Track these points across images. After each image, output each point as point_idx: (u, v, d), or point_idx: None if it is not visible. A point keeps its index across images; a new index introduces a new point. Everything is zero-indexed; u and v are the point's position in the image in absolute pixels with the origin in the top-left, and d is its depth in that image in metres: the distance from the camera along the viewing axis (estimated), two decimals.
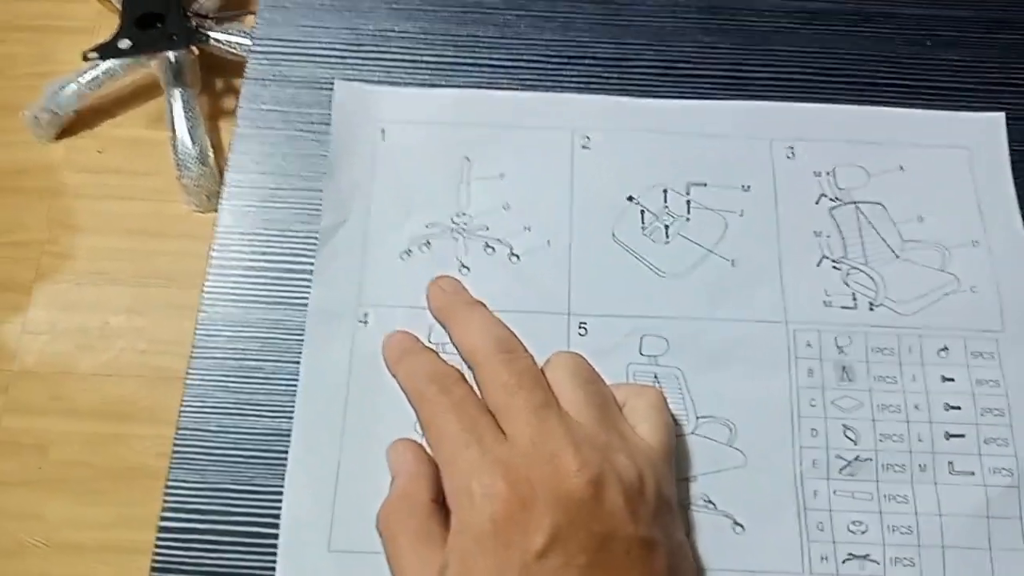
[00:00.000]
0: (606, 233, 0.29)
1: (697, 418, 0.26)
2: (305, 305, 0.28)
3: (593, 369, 0.25)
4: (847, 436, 0.26)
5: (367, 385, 0.26)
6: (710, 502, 0.25)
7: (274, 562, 0.24)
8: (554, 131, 0.30)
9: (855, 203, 0.29)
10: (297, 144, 0.30)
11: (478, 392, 0.24)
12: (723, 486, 0.25)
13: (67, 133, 0.98)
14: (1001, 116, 0.31)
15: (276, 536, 0.25)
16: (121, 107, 0.99)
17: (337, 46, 0.32)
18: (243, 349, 0.27)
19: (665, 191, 0.29)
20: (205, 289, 0.28)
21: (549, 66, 0.31)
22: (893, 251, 0.29)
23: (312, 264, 0.28)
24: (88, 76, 0.94)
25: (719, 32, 0.32)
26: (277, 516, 0.25)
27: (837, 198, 0.30)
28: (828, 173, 0.30)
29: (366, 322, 0.27)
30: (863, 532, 0.25)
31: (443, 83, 0.31)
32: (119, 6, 0.88)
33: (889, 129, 0.30)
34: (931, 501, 0.25)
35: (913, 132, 0.30)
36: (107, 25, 0.90)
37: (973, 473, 0.26)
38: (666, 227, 0.29)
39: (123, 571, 0.78)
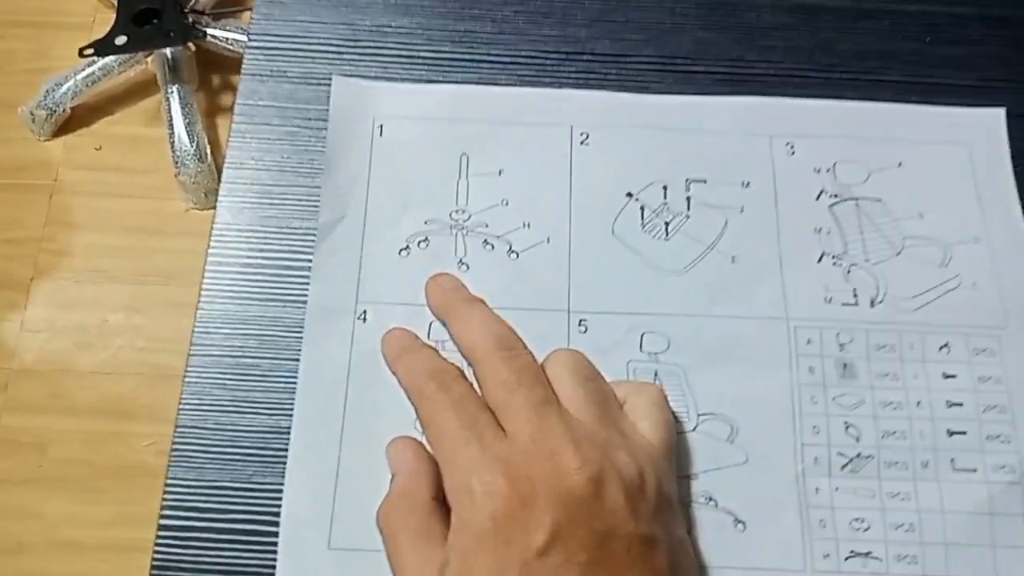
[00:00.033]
0: (606, 230, 0.29)
1: (698, 415, 0.26)
2: (304, 302, 0.27)
3: (593, 366, 0.25)
4: (849, 433, 0.26)
5: (366, 382, 0.26)
6: (711, 500, 0.25)
7: (274, 560, 0.24)
8: (553, 127, 0.30)
9: (855, 199, 0.29)
10: (294, 140, 0.30)
11: (478, 389, 0.24)
12: (724, 483, 0.25)
13: (65, 130, 0.98)
14: (1001, 112, 0.31)
15: (276, 534, 0.25)
16: (119, 104, 0.99)
17: (334, 42, 0.32)
18: (241, 346, 0.27)
19: (665, 188, 0.29)
20: (203, 286, 0.28)
21: (548, 62, 0.31)
22: (894, 248, 0.29)
23: (310, 261, 0.28)
24: (85, 73, 0.94)
25: (718, 28, 0.32)
26: (277, 514, 0.25)
27: (837, 194, 0.29)
28: (828, 169, 0.30)
29: (365, 319, 0.27)
30: (865, 529, 0.25)
31: (441, 79, 0.31)
32: (116, 2, 0.88)
33: (889, 125, 0.30)
34: (933, 498, 0.25)
35: (913, 128, 0.30)
36: (104, 21, 0.90)
37: (975, 470, 0.26)
38: (666, 224, 0.29)
39: (122, 569, 0.78)
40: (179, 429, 0.26)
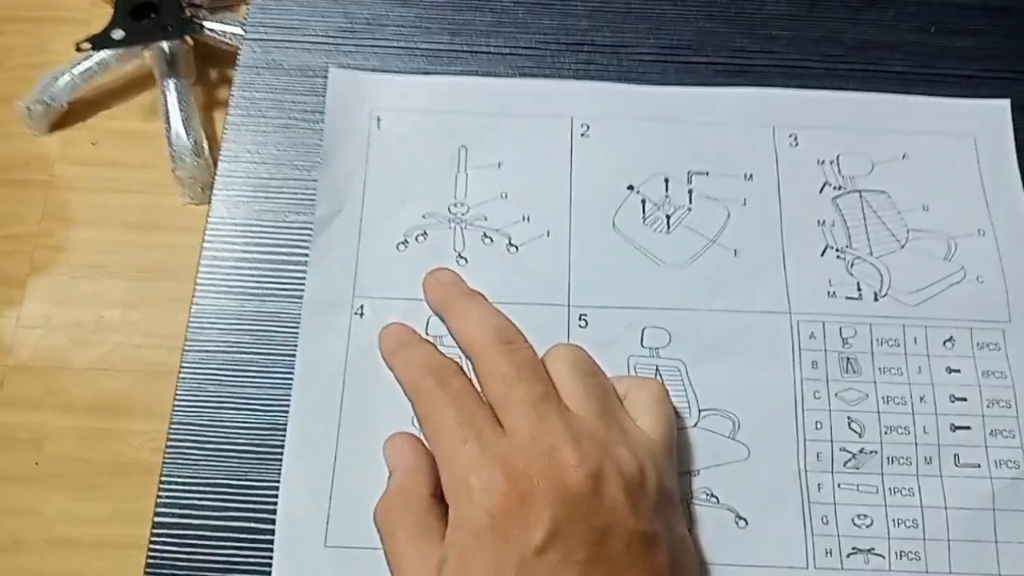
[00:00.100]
0: (606, 223, 0.28)
1: (699, 411, 0.26)
2: (300, 297, 0.27)
3: (593, 361, 0.25)
4: (852, 429, 0.26)
5: (363, 378, 0.26)
6: (713, 496, 0.25)
7: (270, 558, 0.24)
8: (553, 119, 0.30)
9: (859, 191, 0.29)
10: (291, 133, 0.30)
11: (476, 384, 0.24)
12: (726, 480, 0.25)
13: (61, 125, 0.97)
14: (1006, 103, 0.30)
15: (272, 531, 0.24)
16: (115, 99, 0.99)
17: (331, 33, 0.31)
18: (237, 342, 0.27)
19: (666, 180, 0.29)
20: (198, 281, 0.28)
21: (547, 53, 0.31)
22: (898, 240, 0.28)
23: (307, 255, 0.28)
24: (82, 67, 0.94)
25: (721, 18, 0.32)
26: (273, 511, 0.25)
27: (841, 186, 0.29)
28: (832, 161, 0.29)
29: (362, 314, 0.27)
30: (868, 526, 0.25)
31: (439, 70, 0.31)
32: None
33: (893, 117, 0.30)
34: (936, 494, 0.25)
35: (917, 120, 0.30)
36: (101, 16, 0.90)
37: (979, 465, 0.25)
38: (667, 217, 0.28)
39: (119, 566, 0.78)
40: (174, 426, 0.26)
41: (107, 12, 0.88)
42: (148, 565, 0.24)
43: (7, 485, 0.82)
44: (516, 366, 0.23)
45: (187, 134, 0.90)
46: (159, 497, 0.25)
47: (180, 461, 0.25)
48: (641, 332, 0.27)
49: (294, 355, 0.26)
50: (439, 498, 0.23)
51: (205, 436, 0.26)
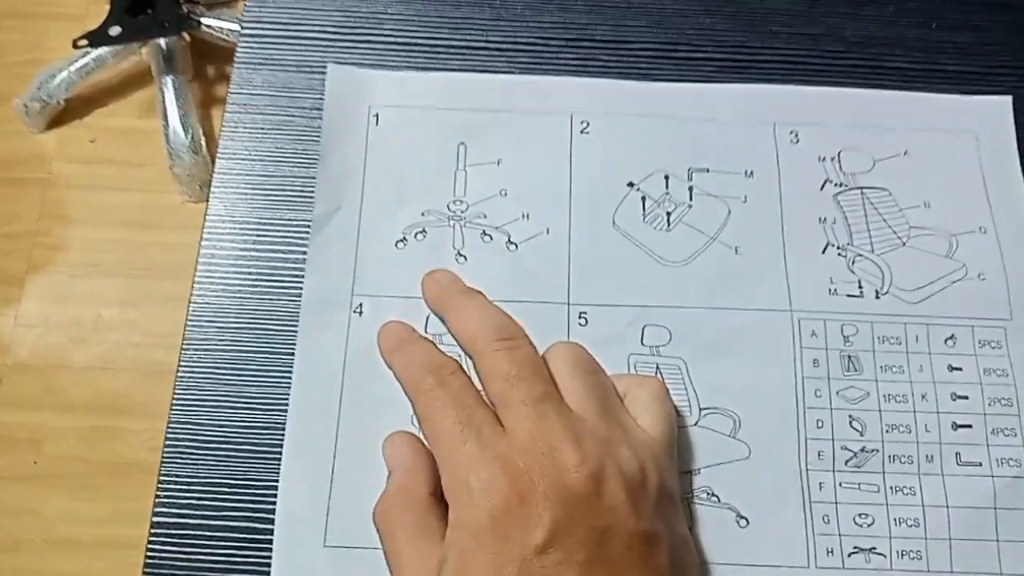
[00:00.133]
0: (606, 220, 0.28)
1: (700, 409, 0.26)
2: (299, 295, 0.27)
3: (594, 359, 0.25)
4: (853, 427, 0.26)
5: (362, 377, 0.26)
6: (713, 495, 0.25)
7: (269, 558, 0.24)
8: (552, 116, 0.29)
9: (860, 188, 0.29)
10: (289, 130, 0.29)
11: (476, 382, 0.24)
12: (727, 479, 0.25)
13: (59, 123, 0.97)
14: (1008, 100, 0.30)
15: (271, 531, 0.24)
16: (113, 96, 0.98)
17: (329, 29, 0.31)
18: (235, 341, 0.27)
19: (666, 177, 0.29)
20: (196, 280, 0.28)
21: (547, 49, 0.31)
22: (899, 238, 0.28)
23: (305, 253, 0.28)
24: (79, 64, 0.93)
25: (721, 14, 0.31)
26: (272, 511, 0.24)
27: (842, 183, 0.29)
28: (833, 158, 0.29)
29: (361, 312, 0.27)
30: (869, 525, 0.25)
31: (438, 66, 0.30)
32: None
33: (894, 113, 0.30)
34: (938, 493, 0.25)
35: (919, 116, 0.30)
36: (98, 12, 0.89)
37: (980, 464, 0.25)
38: (667, 214, 0.28)
39: (118, 566, 0.78)
40: (172, 425, 0.26)
41: (104, 8, 0.87)
42: (147, 565, 0.24)
43: (6, 485, 0.82)
44: (517, 364, 0.23)
45: (185, 131, 0.90)
46: (158, 497, 0.25)
47: (179, 461, 0.25)
48: (641, 330, 0.27)
49: (293, 354, 0.26)
50: (439, 498, 0.23)
51: (204, 435, 0.26)
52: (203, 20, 0.91)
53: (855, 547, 0.24)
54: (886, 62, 0.31)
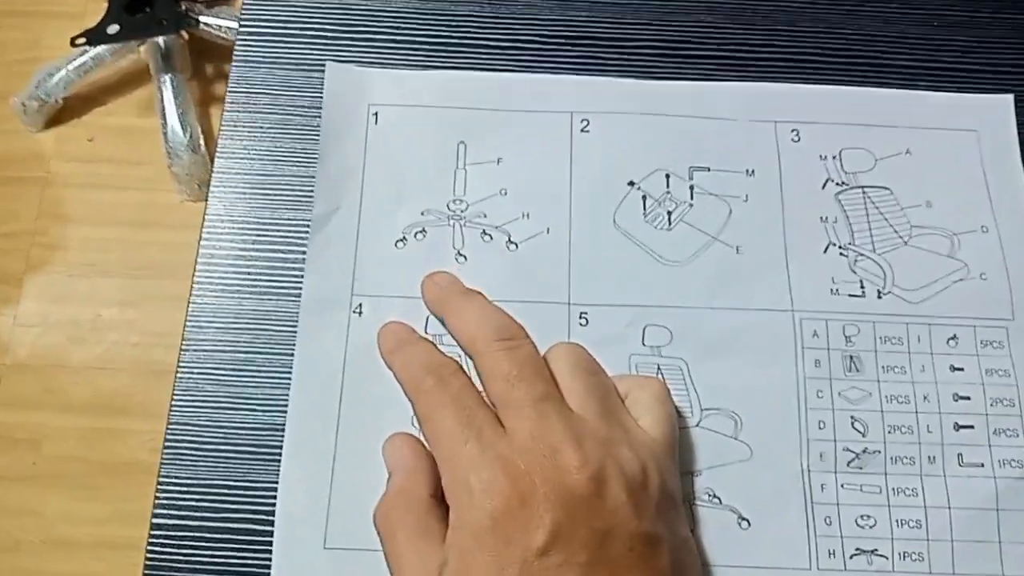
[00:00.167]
0: (607, 219, 0.28)
1: (702, 410, 0.26)
2: (298, 295, 0.27)
3: (594, 360, 0.25)
4: (855, 428, 0.26)
5: (362, 377, 0.26)
6: (715, 496, 0.25)
7: (269, 559, 0.24)
8: (552, 114, 0.29)
9: (862, 187, 0.29)
10: (287, 128, 0.29)
11: (477, 382, 0.24)
12: (728, 480, 0.25)
13: (57, 122, 0.97)
14: (1010, 98, 0.30)
15: (271, 533, 0.24)
16: (111, 95, 0.98)
17: (328, 27, 0.31)
18: (235, 341, 0.27)
19: (667, 176, 0.29)
20: (195, 280, 0.27)
21: (547, 47, 0.31)
22: (901, 237, 0.28)
23: (305, 253, 0.27)
24: (77, 63, 0.93)
25: (722, 12, 0.31)
26: (271, 512, 0.24)
27: (844, 182, 0.29)
28: (834, 157, 0.29)
29: (360, 312, 0.26)
30: (871, 526, 0.25)
31: (438, 65, 0.30)
32: None
33: (896, 112, 0.30)
34: (940, 494, 0.25)
35: (921, 115, 0.30)
36: (96, 10, 0.89)
37: (982, 465, 0.25)
38: (668, 213, 0.28)
39: (117, 567, 0.78)
40: (171, 426, 0.26)
41: (102, 7, 0.87)
42: (147, 566, 0.24)
43: (6, 485, 0.82)
44: (517, 364, 0.23)
45: (183, 130, 0.89)
46: (157, 498, 0.25)
47: (178, 462, 0.25)
48: (642, 330, 0.26)
49: (292, 354, 0.26)
50: (439, 499, 0.22)
51: (203, 436, 0.25)
52: (201, 18, 0.91)
53: (857, 548, 0.24)
54: (888, 60, 0.31)
